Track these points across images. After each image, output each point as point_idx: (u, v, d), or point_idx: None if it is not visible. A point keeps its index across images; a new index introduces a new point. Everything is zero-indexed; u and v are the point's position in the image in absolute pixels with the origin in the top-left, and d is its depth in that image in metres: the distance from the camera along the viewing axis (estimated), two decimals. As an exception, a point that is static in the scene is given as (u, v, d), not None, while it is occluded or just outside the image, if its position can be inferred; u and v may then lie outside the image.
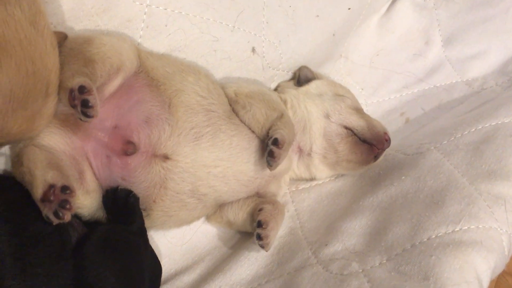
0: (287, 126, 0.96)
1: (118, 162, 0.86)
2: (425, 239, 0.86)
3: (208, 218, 1.04)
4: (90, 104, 0.74)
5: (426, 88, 1.32)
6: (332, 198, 1.08)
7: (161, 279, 0.92)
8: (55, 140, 0.83)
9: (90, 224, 0.86)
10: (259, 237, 0.93)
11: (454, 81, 1.32)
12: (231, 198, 0.99)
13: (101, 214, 0.88)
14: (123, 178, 0.87)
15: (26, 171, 0.77)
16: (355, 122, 1.06)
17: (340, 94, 1.12)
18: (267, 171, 0.97)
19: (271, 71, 1.15)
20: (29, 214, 0.74)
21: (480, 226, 0.86)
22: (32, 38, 0.69)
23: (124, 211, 0.86)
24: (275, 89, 1.18)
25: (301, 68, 1.18)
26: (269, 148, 0.90)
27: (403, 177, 1.00)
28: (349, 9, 1.20)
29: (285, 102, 1.08)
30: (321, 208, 1.06)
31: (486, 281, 0.82)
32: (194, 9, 0.98)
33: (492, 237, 0.85)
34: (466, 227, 0.86)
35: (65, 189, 0.73)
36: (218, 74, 1.07)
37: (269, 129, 0.95)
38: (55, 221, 0.72)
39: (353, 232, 0.95)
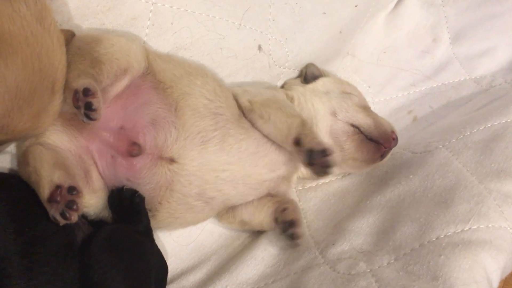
0: (315, 133, 0.94)
1: (123, 162, 0.85)
2: (434, 239, 0.85)
3: (220, 218, 1.03)
4: (93, 107, 0.73)
5: (434, 85, 1.31)
6: (339, 197, 1.07)
7: (167, 279, 0.92)
8: (61, 139, 0.83)
9: (96, 224, 0.86)
10: (295, 237, 0.93)
11: (462, 79, 1.31)
12: (240, 201, 0.98)
13: (106, 214, 0.88)
14: (128, 179, 0.86)
15: (32, 171, 0.77)
16: (362, 120, 1.05)
17: (347, 91, 1.11)
18: (277, 173, 0.97)
19: (278, 69, 1.14)
20: (35, 213, 0.74)
21: (490, 226, 0.85)
22: (38, 34, 0.68)
23: (130, 210, 0.86)
24: (282, 87, 1.17)
25: (307, 66, 1.17)
26: (322, 161, 0.87)
27: (411, 176, 1.00)
28: (356, 6, 1.19)
29: (292, 99, 1.07)
30: (328, 207, 1.06)
31: (495, 281, 0.81)
32: (200, 7, 0.98)
33: (502, 237, 0.85)
34: (475, 227, 0.85)
35: (72, 189, 0.73)
36: (224, 72, 1.06)
37: (297, 139, 0.91)
38: (62, 222, 0.72)
39: (361, 232, 0.94)
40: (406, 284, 0.80)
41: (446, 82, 1.31)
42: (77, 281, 0.73)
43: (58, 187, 0.73)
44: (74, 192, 0.73)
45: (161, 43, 0.97)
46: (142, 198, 0.87)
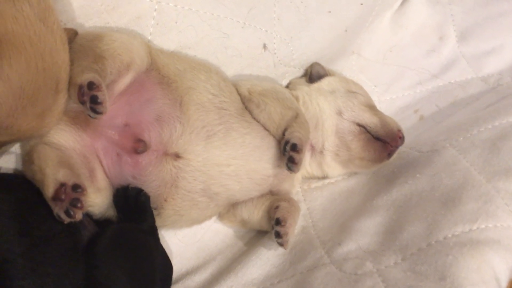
0: (303, 126, 0.95)
1: (128, 160, 0.85)
2: (441, 238, 0.84)
3: (221, 217, 1.03)
4: (99, 100, 0.73)
5: (441, 84, 1.31)
6: (345, 196, 1.07)
7: (172, 279, 0.91)
8: (65, 138, 0.83)
9: (101, 223, 0.86)
10: (278, 235, 0.92)
11: (469, 77, 1.31)
12: (244, 197, 0.98)
13: (112, 213, 0.88)
14: (134, 176, 0.86)
15: (36, 170, 0.77)
16: (368, 119, 1.05)
17: (353, 90, 1.10)
18: (281, 169, 0.96)
19: (283, 68, 1.14)
20: (39, 213, 0.74)
21: (498, 225, 0.85)
22: (42, 34, 0.68)
23: (135, 209, 0.86)
24: (287, 86, 1.17)
25: (313, 65, 1.17)
26: (289, 155, 0.90)
27: (418, 175, 0.99)
28: (362, 4, 1.19)
29: (297, 98, 1.07)
30: (334, 207, 1.05)
31: (504, 281, 0.80)
32: (205, 5, 0.97)
33: (511, 236, 0.84)
34: (483, 226, 0.84)
35: (76, 187, 0.73)
36: (229, 71, 1.06)
37: (285, 129, 0.94)
38: (67, 220, 0.72)
39: (367, 231, 0.94)
40: (413, 284, 0.79)
41: (452, 81, 1.31)
42: (82, 282, 0.73)
43: (62, 185, 0.73)
44: (79, 190, 0.73)
45: (165, 42, 0.97)
46: (147, 197, 0.87)
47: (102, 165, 0.86)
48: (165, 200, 0.89)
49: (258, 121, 0.97)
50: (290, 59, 1.14)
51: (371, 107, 1.09)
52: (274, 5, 1.06)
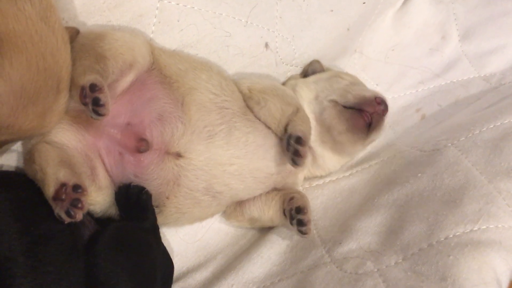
0: (304, 120, 0.95)
1: (131, 159, 0.85)
2: (443, 239, 0.84)
3: (227, 216, 1.02)
4: (101, 103, 0.73)
5: (443, 83, 1.30)
6: (346, 195, 1.07)
7: (173, 277, 0.92)
8: (67, 137, 0.83)
9: (102, 221, 0.86)
10: (301, 223, 0.92)
11: (471, 77, 1.30)
12: (248, 195, 0.98)
13: (113, 211, 0.88)
14: (136, 175, 0.86)
15: (38, 169, 0.77)
16: (338, 92, 1.03)
17: (337, 76, 1.09)
18: (284, 166, 0.96)
19: (284, 67, 1.13)
20: (40, 211, 0.74)
21: (499, 226, 0.84)
22: (43, 33, 0.68)
23: (137, 208, 0.86)
24: (283, 84, 1.16)
25: (312, 62, 1.16)
26: (294, 148, 0.88)
27: (419, 175, 0.98)
28: (364, 3, 1.19)
29: None
30: (335, 206, 1.05)
31: (505, 282, 0.80)
32: (207, 4, 0.97)
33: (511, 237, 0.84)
34: (484, 227, 0.84)
35: (77, 188, 0.73)
36: (231, 70, 1.06)
37: (286, 125, 0.94)
38: (67, 220, 0.72)
39: (368, 231, 0.93)
40: (414, 284, 0.79)
41: (455, 80, 1.30)
42: (83, 280, 0.73)
43: (63, 185, 0.73)
44: (79, 190, 0.73)
45: (167, 41, 0.96)
46: (149, 195, 0.87)
47: (104, 164, 0.86)
48: (167, 198, 0.89)
49: (259, 119, 0.97)
50: (292, 58, 1.13)
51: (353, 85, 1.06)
52: (276, 4, 1.06)
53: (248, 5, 1.02)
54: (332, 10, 1.14)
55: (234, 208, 1.01)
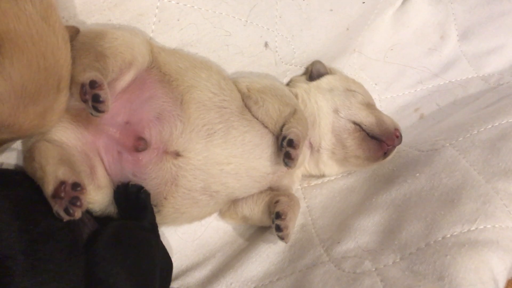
0: (300, 122, 0.95)
1: (129, 158, 0.86)
2: (440, 238, 0.85)
3: (222, 214, 1.04)
4: (101, 99, 0.73)
5: (441, 83, 1.31)
6: (344, 194, 1.07)
7: (172, 275, 0.92)
8: (66, 135, 0.83)
9: (101, 220, 0.86)
10: (279, 229, 0.92)
11: (470, 77, 1.30)
12: (243, 194, 0.98)
13: (112, 210, 0.88)
14: (134, 174, 0.86)
15: (37, 167, 0.77)
16: (364, 117, 1.05)
17: (352, 89, 1.10)
18: (280, 166, 0.96)
19: (284, 66, 1.14)
20: (40, 210, 0.74)
21: (497, 226, 0.85)
22: (44, 33, 0.68)
23: (135, 206, 0.86)
24: (287, 84, 1.17)
25: (314, 63, 1.17)
26: (285, 150, 0.90)
27: (417, 174, 0.99)
28: (364, 2, 1.19)
29: (296, 96, 1.07)
30: (334, 205, 1.05)
31: (502, 282, 0.80)
32: (207, 3, 0.97)
33: (509, 237, 0.84)
34: (482, 227, 0.84)
35: (76, 186, 0.73)
36: (231, 69, 1.06)
37: (283, 125, 0.94)
38: (66, 218, 0.72)
39: (366, 230, 0.94)
40: (412, 283, 0.79)
41: (453, 80, 1.31)
42: (82, 278, 0.73)
43: (62, 183, 0.73)
44: (78, 189, 0.73)
45: (167, 40, 0.96)
46: (147, 194, 0.87)
47: (103, 163, 0.86)
48: (165, 198, 0.89)
49: (257, 118, 0.97)
50: (291, 57, 1.13)
51: (369, 106, 1.08)
52: (276, 3, 1.06)
53: (248, 5, 1.02)
54: (331, 10, 1.14)
55: (229, 206, 1.02)
